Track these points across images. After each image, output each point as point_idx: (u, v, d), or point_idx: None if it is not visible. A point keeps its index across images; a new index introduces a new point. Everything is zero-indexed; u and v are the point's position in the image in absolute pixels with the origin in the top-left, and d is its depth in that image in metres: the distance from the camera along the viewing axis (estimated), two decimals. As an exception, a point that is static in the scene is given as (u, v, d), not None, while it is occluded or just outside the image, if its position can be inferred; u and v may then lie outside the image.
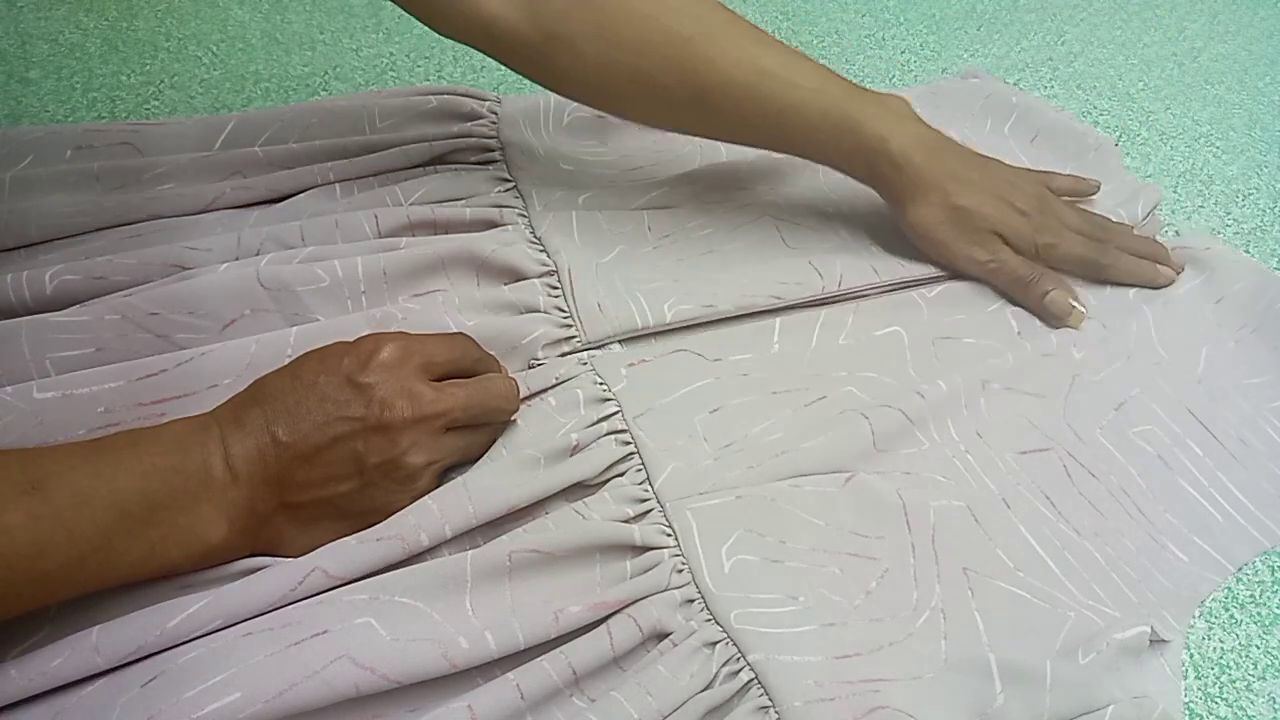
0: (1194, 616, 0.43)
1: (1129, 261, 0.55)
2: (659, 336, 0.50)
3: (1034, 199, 0.55)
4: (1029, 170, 0.58)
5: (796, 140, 0.53)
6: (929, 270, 0.55)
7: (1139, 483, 0.47)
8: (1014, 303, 0.54)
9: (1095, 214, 0.57)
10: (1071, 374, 0.51)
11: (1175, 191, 0.65)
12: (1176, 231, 0.62)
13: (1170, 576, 0.43)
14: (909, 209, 0.53)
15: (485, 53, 0.52)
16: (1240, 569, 0.45)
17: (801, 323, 0.52)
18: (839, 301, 0.53)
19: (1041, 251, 0.54)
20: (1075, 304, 0.53)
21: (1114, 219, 0.58)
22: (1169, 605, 0.42)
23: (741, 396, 0.47)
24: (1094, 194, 0.59)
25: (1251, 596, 0.44)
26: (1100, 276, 0.55)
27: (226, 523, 0.37)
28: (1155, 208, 0.60)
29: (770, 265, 0.53)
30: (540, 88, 0.54)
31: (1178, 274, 0.56)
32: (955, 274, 0.55)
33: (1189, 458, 0.48)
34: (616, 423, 0.45)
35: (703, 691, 0.37)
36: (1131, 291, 0.55)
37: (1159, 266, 0.56)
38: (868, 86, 0.72)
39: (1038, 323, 0.53)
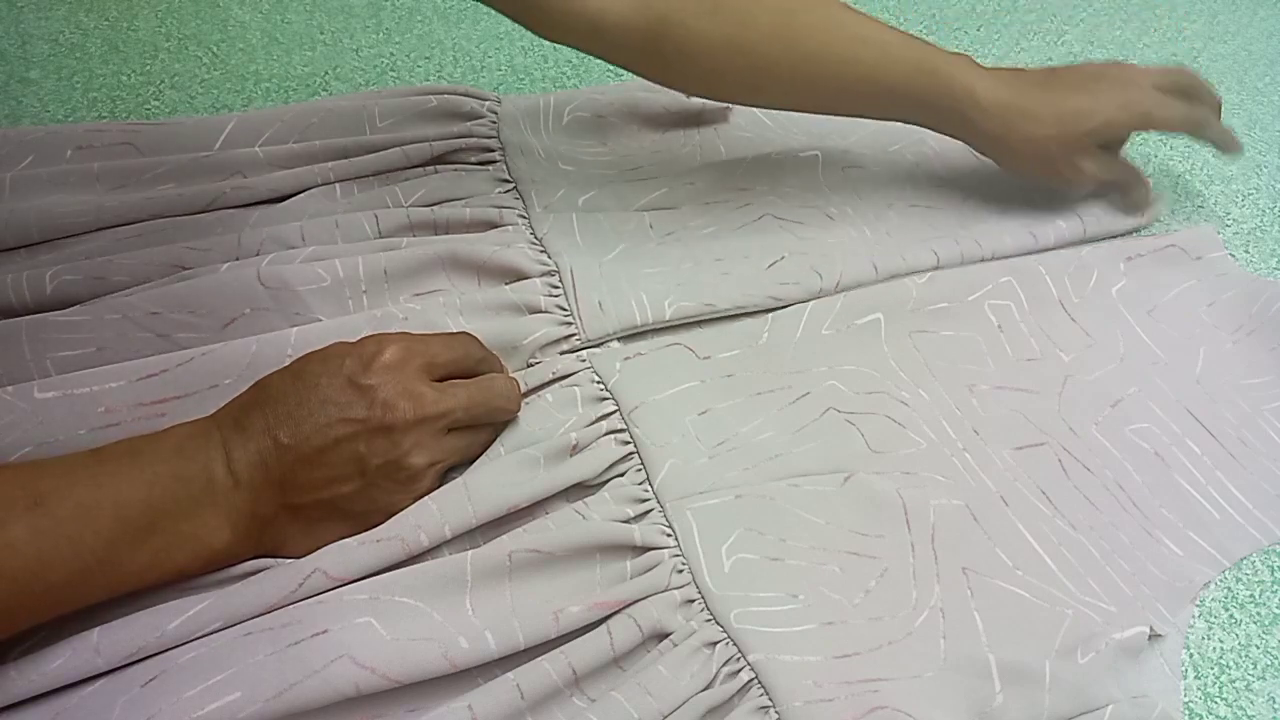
0: (1194, 617, 0.43)
1: (1216, 120, 0.58)
2: (656, 331, 0.50)
3: (1120, 84, 0.56)
4: (1094, 66, 0.59)
5: (891, 103, 0.55)
6: (929, 259, 0.55)
7: (1135, 478, 0.47)
8: (993, 296, 0.54)
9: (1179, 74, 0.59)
10: (1064, 374, 0.51)
11: (1175, 191, 0.65)
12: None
13: (1164, 570, 0.44)
14: (1003, 143, 0.55)
15: (592, 53, 0.53)
16: (1240, 569, 0.45)
17: (792, 314, 0.52)
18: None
19: (1154, 121, 0.56)
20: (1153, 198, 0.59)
21: (1121, 220, 0.59)
22: (1163, 598, 0.42)
23: (727, 399, 0.48)
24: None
25: (1251, 596, 0.44)
26: (1198, 134, 0.58)
27: (229, 527, 0.37)
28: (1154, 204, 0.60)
29: (772, 268, 0.54)
30: (540, 88, 0.54)
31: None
32: (946, 264, 0.55)
33: (1187, 456, 0.48)
34: (615, 421, 0.45)
35: (703, 691, 0.37)
36: (1114, 298, 0.55)
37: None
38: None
39: (1015, 314, 0.53)
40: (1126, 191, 0.59)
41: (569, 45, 0.53)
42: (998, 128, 0.55)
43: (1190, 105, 0.57)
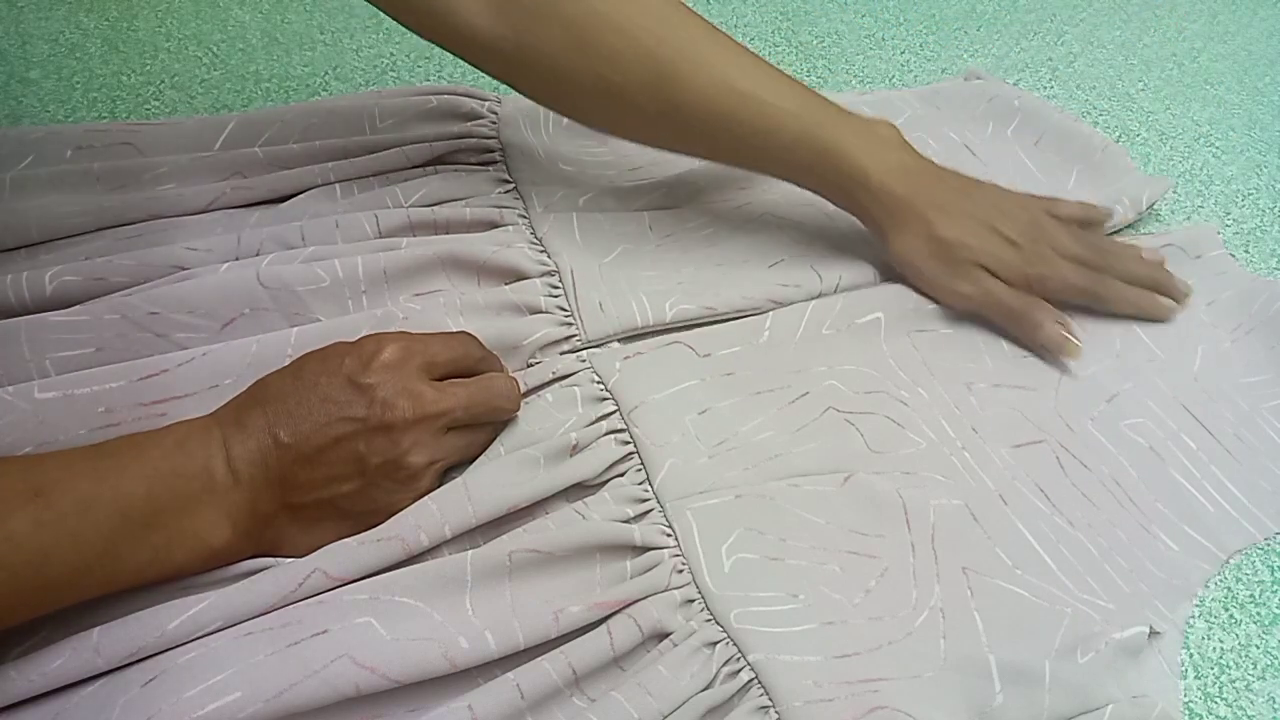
0: (1193, 617, 0.43)
1: (1129, 292, 0.53)
2: (656, 330, 0.50)
3: (1025, 226, 0.52)
4: (1029, 196, 0.55)
5: (772, 164, 0.52)
6: None
7: (1130, 473, 0.47)
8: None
9: (1095, 238, 0.54)
10: (1059, 370, 0.51)
11: (1175, 191, 0.65)
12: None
13: (1162, 566, 0.44)
14: (891, 240, 0.52)
15: (466, 60, 0.51)
16: (1240, 569, 0.45)
17: (792, 313, 0.52)
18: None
19: (1033, 283, 0.51)
20: (1070, 337, 0.50)
21: (1117, 213, 0.58)
22: (1161, 595, 0.43)
23: (728, 398, 0.47)
24: (1106, 221, 0.56)
25: (1251, 596, 0.44)
26: (1098, 307, 0.53)
27: (229, 525, 0.37)
28: (1156, 199, 0.60)
29: (772, 268, 0.54)
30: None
31: (1181, 302, 0.54)
32: None
33: (1182, 450, 0.48)
34: (615, 421, 0.45)
35: (703, 691, 0.37)
36: None
37: (1159, 298, 0.53)
38: (867, 87, 0.73)
39: None
40: (1026, 329, 0.51)
41: (451, 51, 0.50)
42: (884, 219, 0.51)
43: (1096, 277, 0.52)
